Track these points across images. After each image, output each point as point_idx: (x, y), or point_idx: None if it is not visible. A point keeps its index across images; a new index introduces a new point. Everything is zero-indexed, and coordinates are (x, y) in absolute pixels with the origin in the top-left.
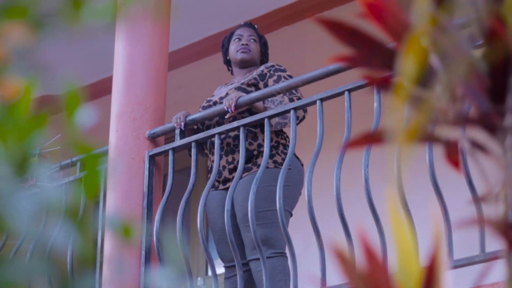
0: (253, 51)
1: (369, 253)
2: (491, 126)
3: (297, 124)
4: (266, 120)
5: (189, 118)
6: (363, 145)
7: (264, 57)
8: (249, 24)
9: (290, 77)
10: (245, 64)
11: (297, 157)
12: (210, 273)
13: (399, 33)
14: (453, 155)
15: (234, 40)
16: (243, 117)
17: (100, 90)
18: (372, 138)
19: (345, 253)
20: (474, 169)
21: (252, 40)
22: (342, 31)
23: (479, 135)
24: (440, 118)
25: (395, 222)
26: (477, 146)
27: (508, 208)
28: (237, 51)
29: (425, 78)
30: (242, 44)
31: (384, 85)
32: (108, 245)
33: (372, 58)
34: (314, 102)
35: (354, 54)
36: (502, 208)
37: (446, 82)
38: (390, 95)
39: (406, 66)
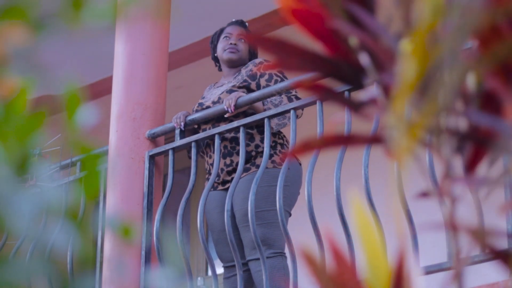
0: (241, 51)
1: (337, 255)
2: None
3: None
4: (266, 120)
5: (189, 118)
6: (304, 152)
7: (252, 57)
8: (240, 23)
9: (281, 72)
10: (232, 64)
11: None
12: (210, 273)
13: (325, 36)
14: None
15: (223, 38)
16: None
17: (100, 90)
18: (312, 146)
19: (314, 255)
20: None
21: (241, 40)
22: (267, 43)
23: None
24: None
25: (362, 223)
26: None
27: (452, 202)
28: (225, 50)
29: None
30: (230, 44)
31: (319, 90)
32: (108, 245)
33: (303, 65)
34: (314, 102)
35: (280, 62)
36: (447, 204)
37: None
38: (329, 100)
39: (407, 70)
